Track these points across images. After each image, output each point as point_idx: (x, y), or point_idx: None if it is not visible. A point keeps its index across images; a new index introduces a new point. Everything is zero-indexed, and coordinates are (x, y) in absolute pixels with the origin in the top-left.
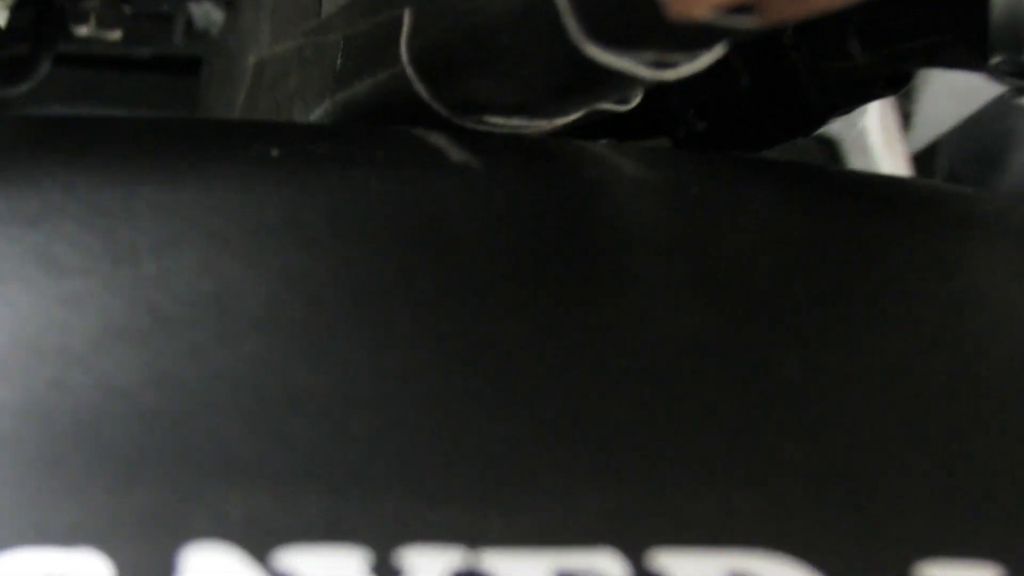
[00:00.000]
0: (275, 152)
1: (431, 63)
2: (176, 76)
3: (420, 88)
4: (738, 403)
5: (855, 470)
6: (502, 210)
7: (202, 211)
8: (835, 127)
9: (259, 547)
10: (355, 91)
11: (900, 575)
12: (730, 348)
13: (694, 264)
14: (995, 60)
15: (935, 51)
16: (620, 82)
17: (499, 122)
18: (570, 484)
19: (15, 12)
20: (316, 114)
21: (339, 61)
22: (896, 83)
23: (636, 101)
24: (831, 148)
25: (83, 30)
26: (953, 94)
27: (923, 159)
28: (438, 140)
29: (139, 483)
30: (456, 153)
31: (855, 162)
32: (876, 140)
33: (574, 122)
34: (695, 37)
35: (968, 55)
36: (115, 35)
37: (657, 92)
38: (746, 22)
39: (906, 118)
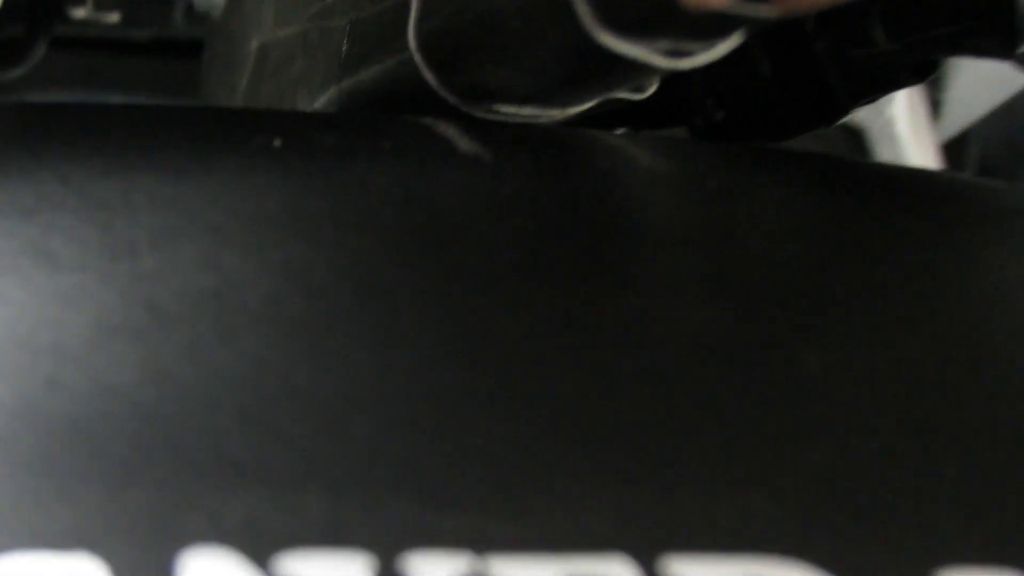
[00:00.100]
0: (278, 142)
1: (440, 50)
2: (176, 60)
3: (428, 75)
4: (756, 404)
5: (876, 474)
6: (512, 203)
7: (202, 204)
8: (861, 115)
9: (259, 552)
10: (361, 78)
11: None
12: (748, 347)
13: (710, 260)
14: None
15: (961, 39)
16: (634, 71)
17: (510, 111)
18: (580, 488)
19: None
20: (321, 101)
21: (345, 47)
22: (922, 72)
23: (652, 90)
24: (857, 137)
25: (80, 12)
26: (984, 81)
27: (953, 148)
28: (446, 130)
29: (135, 485)
30: (465, 144)
31: (882, 151)
32: (904, 129)
33: (588, 111)
34: (711, 26)
35: (995, 43)
36: (113, 17)
37: (674, 80)
38: (763, 11)
39: (935, 106)
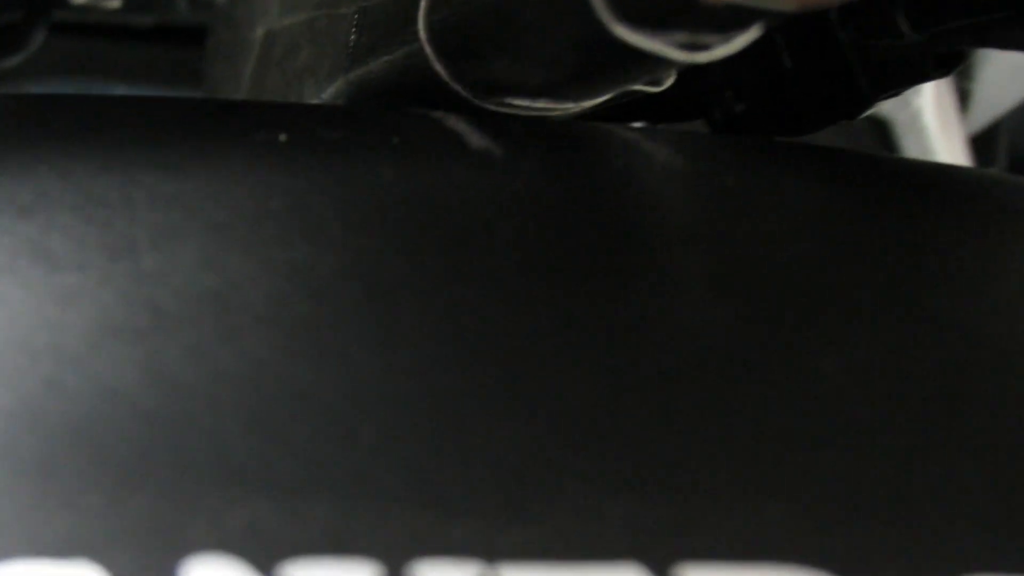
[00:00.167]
0: (282, 137)
1: (451, 40)
2: (179, 47)
3: (439, 67)
4: (772, 408)
5: (895, 481)
6: (524, 201)
7: (204, 201)
8: (887, 107)
9: (263, 560)
10: (369, 69)
11: None
12: (765, 350)
13: (726, 260)
14: None
15: (988, 30)
16: (650, 64)
17: (523, 104)
18: (592, 494)
19: None
20: (328, 93)
21: (353, 36)
22: (948, 63)
23: (669, 83)
24: (883, 129)
25: None
26: (1015, 71)
27: (983, 141)
28: (457, 124)
29: (136, 491)
30: (476, 139)
31: (909, 144)
32: (931, 121)
33: (603, 104)
34: (729, 18)
35: (1022, 34)
36: (114, 3)
37: (692, 73)
38: (782, 4)
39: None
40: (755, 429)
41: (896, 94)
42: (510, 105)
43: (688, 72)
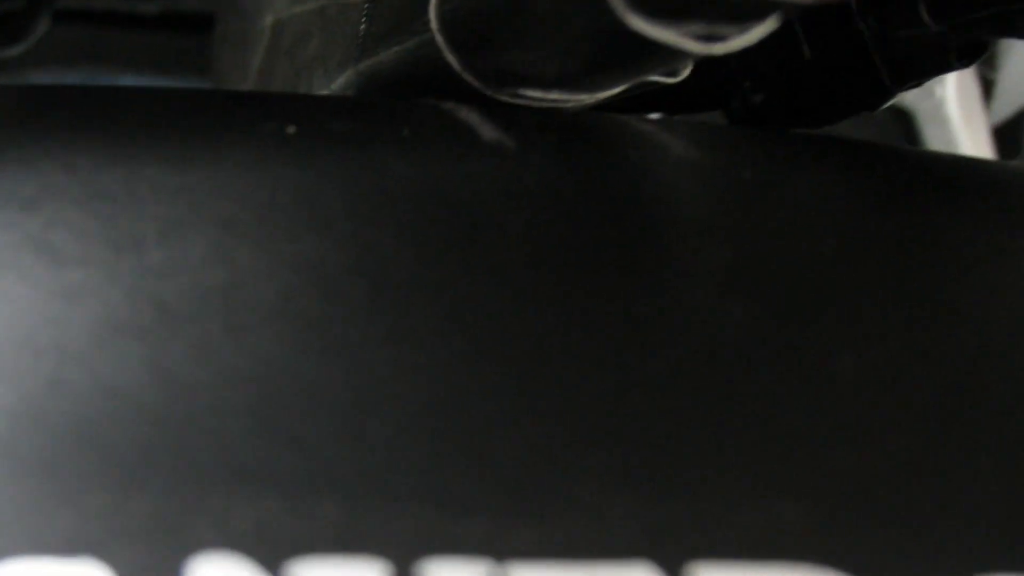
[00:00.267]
0: (291, 129)
1: (463, 31)
2: (186, 35)
3: (451, 57)
4: (786, 406)
5: (910, 480)
6: (537, 194)
7: (211, 194)
8: (910, 97)
9: (270, 558)
10: (380, 59)
11: None
12: (780, 347)
13: (741, 256)
14: None
15: (1010, 20)
16: (666, 55)
17: (536, 96)
18: (603, 493)
19: None
20: (338, 83)
21: (363, 25)
22: (971, 54)
23: (686, 73)
24: (906, 120)
25: None
26: None
27: (1007, 131)
28: (469, 116)
29: (142, 489)
30: (488, 131)
31: (932, 134)
32: (955, 111)
33: (619, 95)
34: (746, 9)
35: None
36: None
37: (710, 63)
38: None
39: (988, 86)
40: (768, 427)
41: (917, 85)
42: (523, 96)
43: (705, 62)
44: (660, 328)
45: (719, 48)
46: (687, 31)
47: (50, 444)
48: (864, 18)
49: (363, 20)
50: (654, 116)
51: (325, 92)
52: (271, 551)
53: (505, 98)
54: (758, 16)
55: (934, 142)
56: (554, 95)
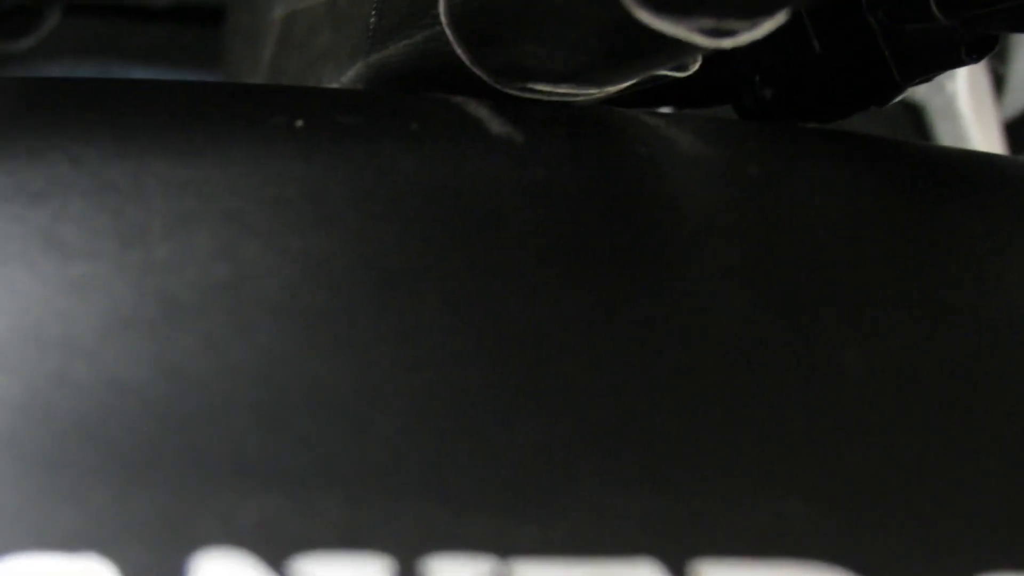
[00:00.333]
0: (299, 123)
1: (472, 24)
2: (197, 28)
3: (460, 51)
4: (793, 403)
5: (915, 478)
6: (545, 189)
7: (218, 188)
8: (921, 92)
9: (274, 554)
10: (390, 52)
11: None
12: (786, 343)
13: (749, 252)
14: None
15: (1021, 15)
16: (675, 49)
17: (546, 90)
18: (608, 490)
19: None
20: (348, 76)
21: (373, 19)
22: (981, 48)
23: (695, 67)
24: (916, 114)
25: None
26: None
27: (1018, 126)
28: (478, 110)
29: (147, 485)
30: (497, 125)
31: (942, 129)
32: (965, 105)
33: (628, 88)
34: (755, 4)
35: None
36: None
37: (719, 57)
38: None
39: (999, 81)
40: (773, 424)
41: (928, 80)
42: (532, 90)
43: (715, 57)
44: (668, 323)
45: (728, 42)
46: (696, 25)
47: (55, 438)
48: (874, 12)
49: (373, 13)
50: (663, 110)
51: (335, 85)
52: (276, 547)
53: (514, 92)
54: (768, 10)
55: (945, 136)
56: (563, 89)
